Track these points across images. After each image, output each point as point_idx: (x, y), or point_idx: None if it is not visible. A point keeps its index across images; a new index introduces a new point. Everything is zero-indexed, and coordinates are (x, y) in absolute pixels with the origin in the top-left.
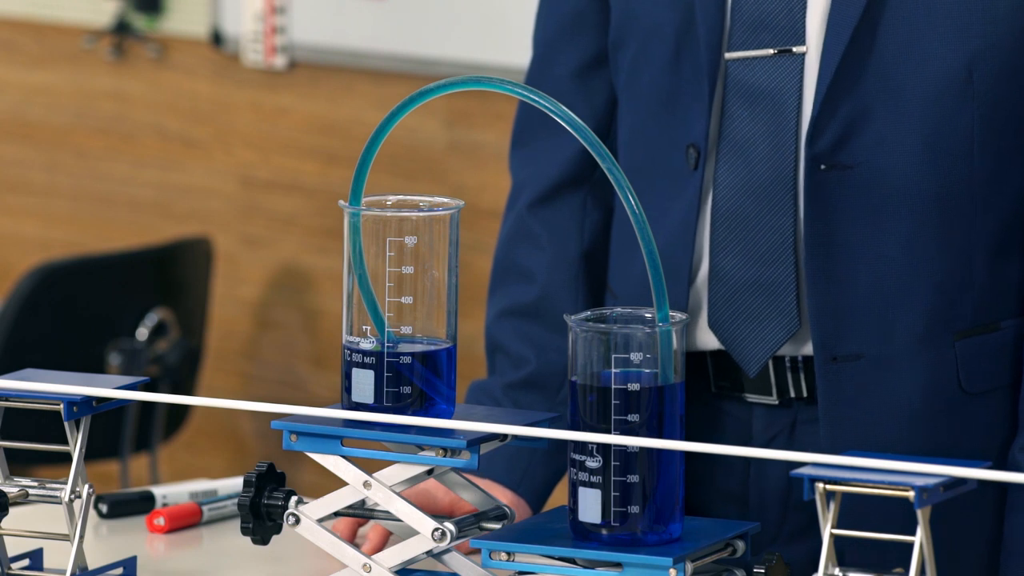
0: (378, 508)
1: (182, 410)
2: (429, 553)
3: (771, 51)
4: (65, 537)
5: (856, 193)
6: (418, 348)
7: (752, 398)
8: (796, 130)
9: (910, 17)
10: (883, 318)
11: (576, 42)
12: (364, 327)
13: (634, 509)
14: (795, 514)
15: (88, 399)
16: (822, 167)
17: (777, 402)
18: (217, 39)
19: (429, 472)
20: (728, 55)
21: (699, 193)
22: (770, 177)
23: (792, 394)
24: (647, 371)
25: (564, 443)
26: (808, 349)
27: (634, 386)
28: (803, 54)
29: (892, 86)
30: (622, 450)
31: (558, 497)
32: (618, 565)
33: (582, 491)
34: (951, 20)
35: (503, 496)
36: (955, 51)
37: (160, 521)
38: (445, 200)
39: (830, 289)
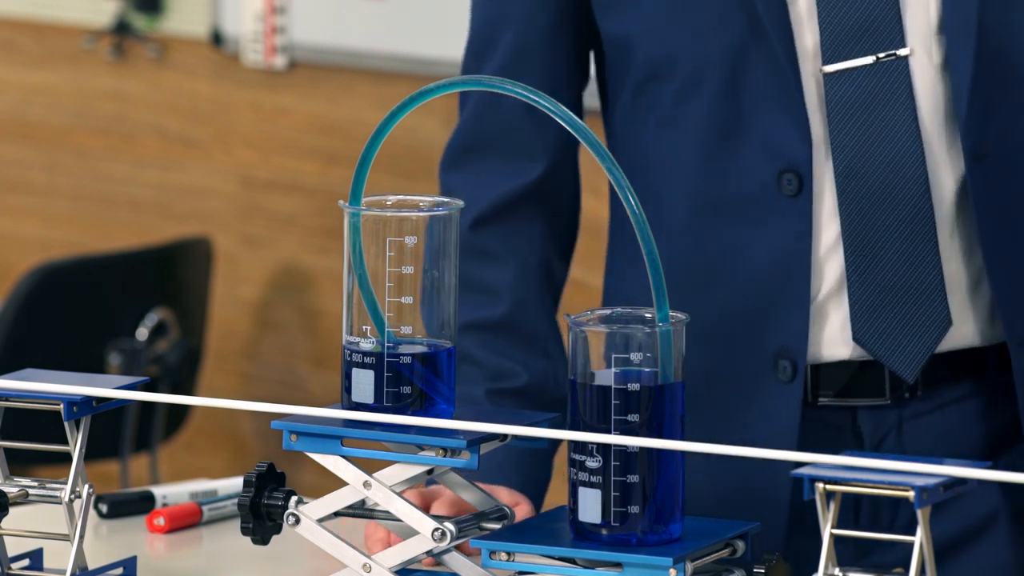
0: (378, 508)
1: (182, 410)
2: (429, 553)
3: (872, 58)
4: (65, 537)
5: (1008, 182)
6: (418, 348)
7: (859, 402)
8: (917, 133)
9: None
10: None
11: (526, 77)
12: (364, 327)
13: (634, 509)
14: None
15: (88, 399)
16: (974, 163)
17: (889, 401)
18: (217, 39)
19: (429, 472)
20: (826, 68)
21: (808, 217)
22: (898, 183)
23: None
24: (647, 371)
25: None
26: (948, 344)
27: (634, 386)
28: (908, 56)
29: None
30: (622, 450)
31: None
32: (618, 565)
33: (582, 491)
34: None
35: (503, 493)
36: None
37: (160, 521)
38: (445, 200)
39: (1012, 278)
